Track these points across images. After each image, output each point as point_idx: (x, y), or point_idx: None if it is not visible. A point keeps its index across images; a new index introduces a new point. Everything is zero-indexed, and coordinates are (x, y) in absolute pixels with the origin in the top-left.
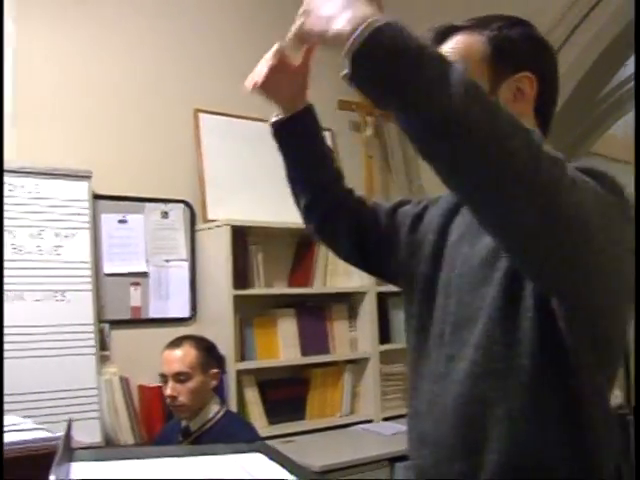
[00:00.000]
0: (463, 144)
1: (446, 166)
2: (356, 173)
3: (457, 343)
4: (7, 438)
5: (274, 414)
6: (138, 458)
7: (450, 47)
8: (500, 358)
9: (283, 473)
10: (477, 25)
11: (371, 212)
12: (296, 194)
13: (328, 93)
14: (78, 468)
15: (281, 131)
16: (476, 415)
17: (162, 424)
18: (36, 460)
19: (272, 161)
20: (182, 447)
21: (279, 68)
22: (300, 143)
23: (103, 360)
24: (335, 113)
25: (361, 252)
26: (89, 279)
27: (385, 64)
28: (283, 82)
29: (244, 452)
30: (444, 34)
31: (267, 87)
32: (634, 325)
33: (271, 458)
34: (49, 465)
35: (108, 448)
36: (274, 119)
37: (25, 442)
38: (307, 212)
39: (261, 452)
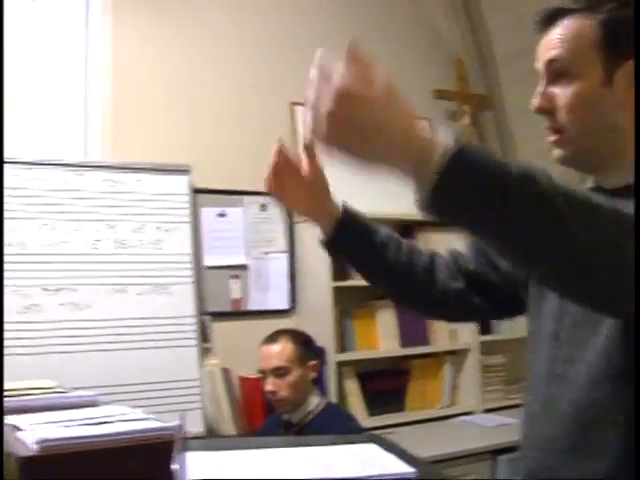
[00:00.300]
0: (561, 265)
1: (541, 277)
2: None
3: (575, 344)
4: (117, 428)
5: (374, 405)
6: (248, 448)
7: (558, 33)
8: (623, 363)
9: (399, 463)
10: (586, 7)
11: (466, 256)
12: (394, 298)
13: (424, 82)
14: (194, 457)
15: (334, 250)
16: (594, 420)
17: (263, 415)
18: (147, 449)
19: None
20: (293, 438)
21: (289, 175)
22: (359, 252)
23: (205, 352)
24: (431, 102)
25: (490, 304)
26: (190, 272)
27: (466, 198)
28: (299, 192)
29: (356, 443)
30: (551, 18)
31: (280, 195)
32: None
33: (385, 448)
34: (160, 454)
35: (217, 438)
36: (321, 240)
37: (135, 432)
38: (417, 306)
39: (374, 442)
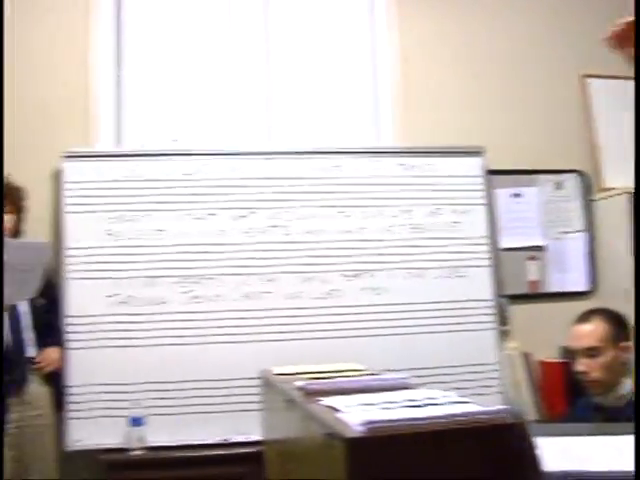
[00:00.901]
0: None
1: None
2: None
3: None
4: (447, 410)
5: None
6: (588, 435)
7: None
8: None
9: None
10: None
11: None
12: None
13: None
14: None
15: None
16: None
17: (564, 400)
18: (470, 432)
19: None
20: (618, 425)
21: None
22: None
23: (503, 335)
24: None
25: None
26: (486, 255)
27: None
28: None
29: None
30: None
31: None
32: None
33: None
34: (511, 438)
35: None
36: None
37: (461, 415)
38: None
39: None
